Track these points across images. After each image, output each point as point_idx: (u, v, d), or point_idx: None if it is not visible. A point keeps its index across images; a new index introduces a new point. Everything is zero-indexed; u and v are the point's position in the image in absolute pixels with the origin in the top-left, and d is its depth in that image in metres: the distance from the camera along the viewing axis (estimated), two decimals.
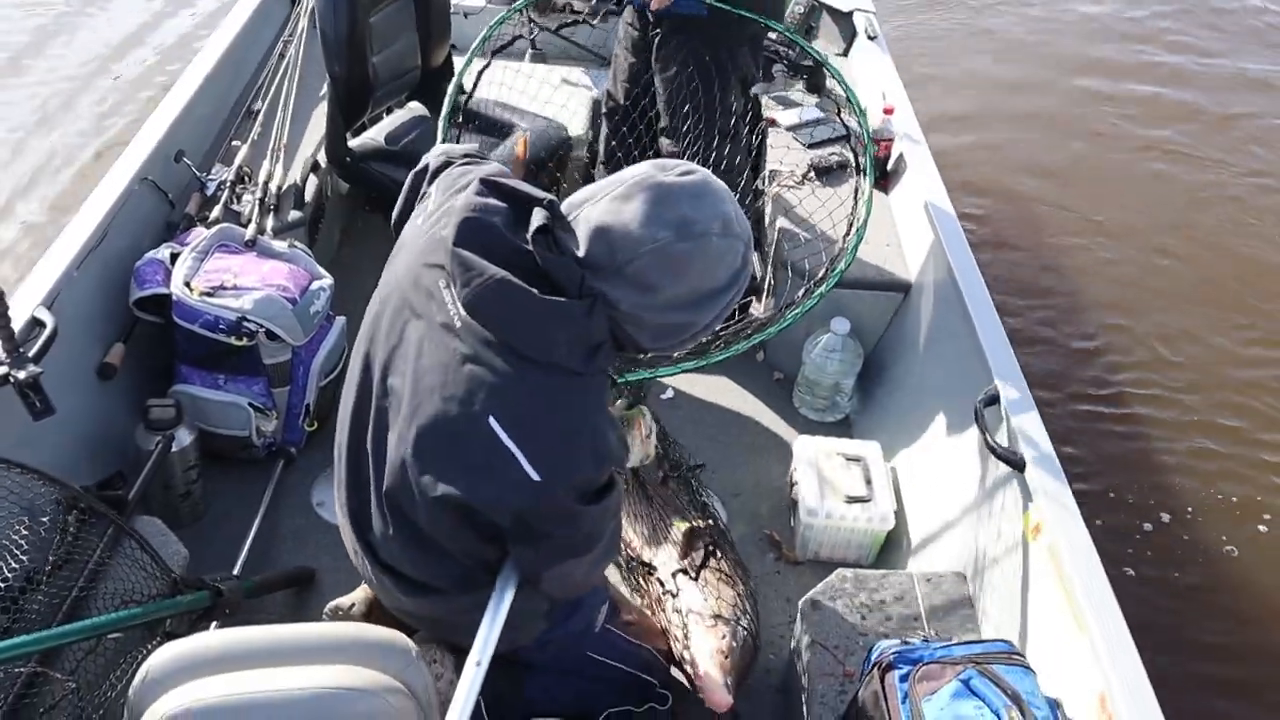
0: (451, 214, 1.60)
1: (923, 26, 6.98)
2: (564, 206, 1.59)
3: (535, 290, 1.51)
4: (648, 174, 1.54)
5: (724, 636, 2.28)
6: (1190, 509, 3.73)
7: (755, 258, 3.28)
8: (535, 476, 1.54)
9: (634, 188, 1.53)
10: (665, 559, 2.52)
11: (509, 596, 1.79)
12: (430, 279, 1.65)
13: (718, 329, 1.98)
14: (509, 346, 1.55)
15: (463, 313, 1.57)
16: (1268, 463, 3.91)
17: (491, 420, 1.54)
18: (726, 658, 2.24)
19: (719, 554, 2.51)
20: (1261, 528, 3.67)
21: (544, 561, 1.71)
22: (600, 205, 1.54)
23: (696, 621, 2.33)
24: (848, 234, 2.55)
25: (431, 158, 1.89)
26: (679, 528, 2.57)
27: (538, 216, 1.55)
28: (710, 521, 2.63)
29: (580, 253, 1.54)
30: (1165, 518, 3.68)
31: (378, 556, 1.90)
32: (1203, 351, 4.46)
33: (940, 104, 5.99)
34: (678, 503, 2.68)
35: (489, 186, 1.63)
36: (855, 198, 2.64)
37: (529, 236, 1.54)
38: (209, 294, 2.73)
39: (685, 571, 2.45)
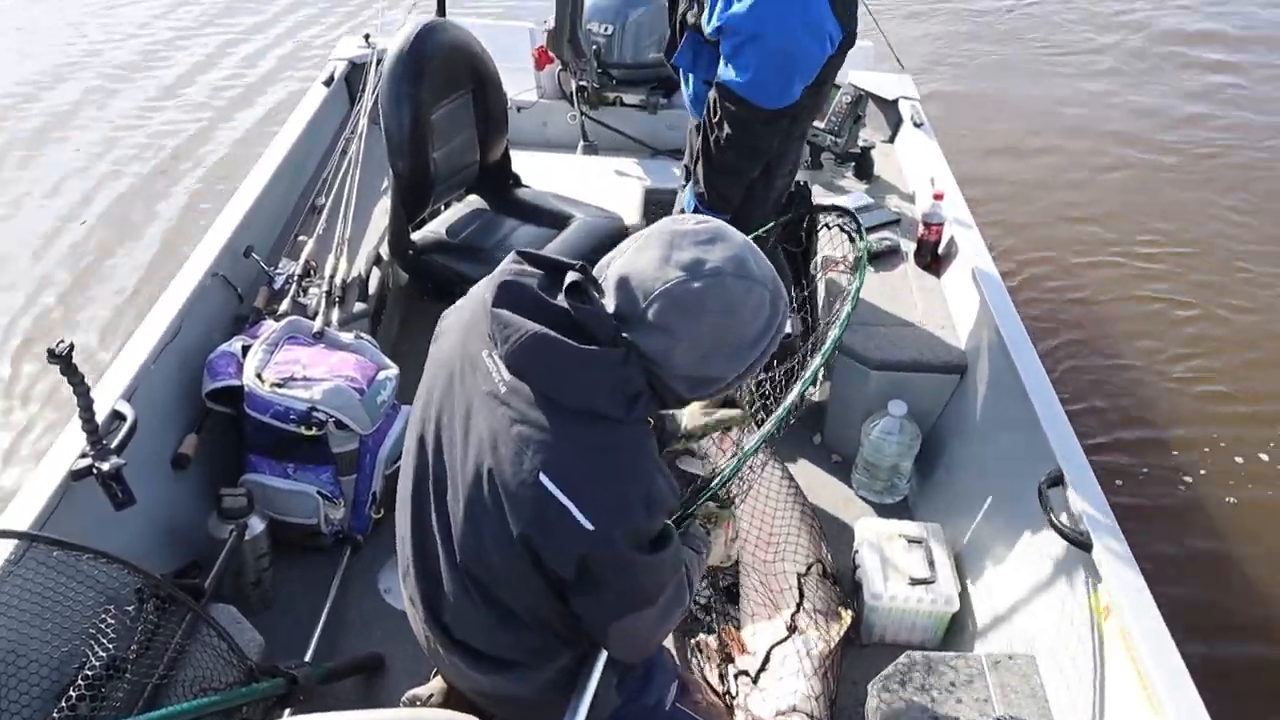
0: (491, 283, 1.68)
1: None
2: (595, 270, 1.68)
3: (572, 341, 1.59)
4: (664, 225, 1.63)
5: None
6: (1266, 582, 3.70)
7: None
8: (589, 526, 1.58)
9: (651, 239, 1.62)
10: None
11: (598, 670, 1.83)
12: (474, 350, 1.72)
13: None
14: (553, 403, 1.61)
15: (506, 377, 1.64)
16: None
17: (542, 477, 1.59)
18: None
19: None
20: None
21: (607, 614, 1.72)
22: (622, 259, 1.63)
23: None
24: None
25: None
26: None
27: (570, 276, 1.63)
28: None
29: (610, 307, 1.61)
30: (1241, 593, 3.66)
31: (451, 636, 1.92)
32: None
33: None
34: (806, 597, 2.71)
35: (524, 256, 1.73)
36: (855, 268, 2.65)
37: (563, 294, 1.62)
38: (280, 385, 2.79)
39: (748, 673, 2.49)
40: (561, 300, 1.63)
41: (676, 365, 1.62)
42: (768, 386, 2.50)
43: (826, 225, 3.07)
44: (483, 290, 1.73)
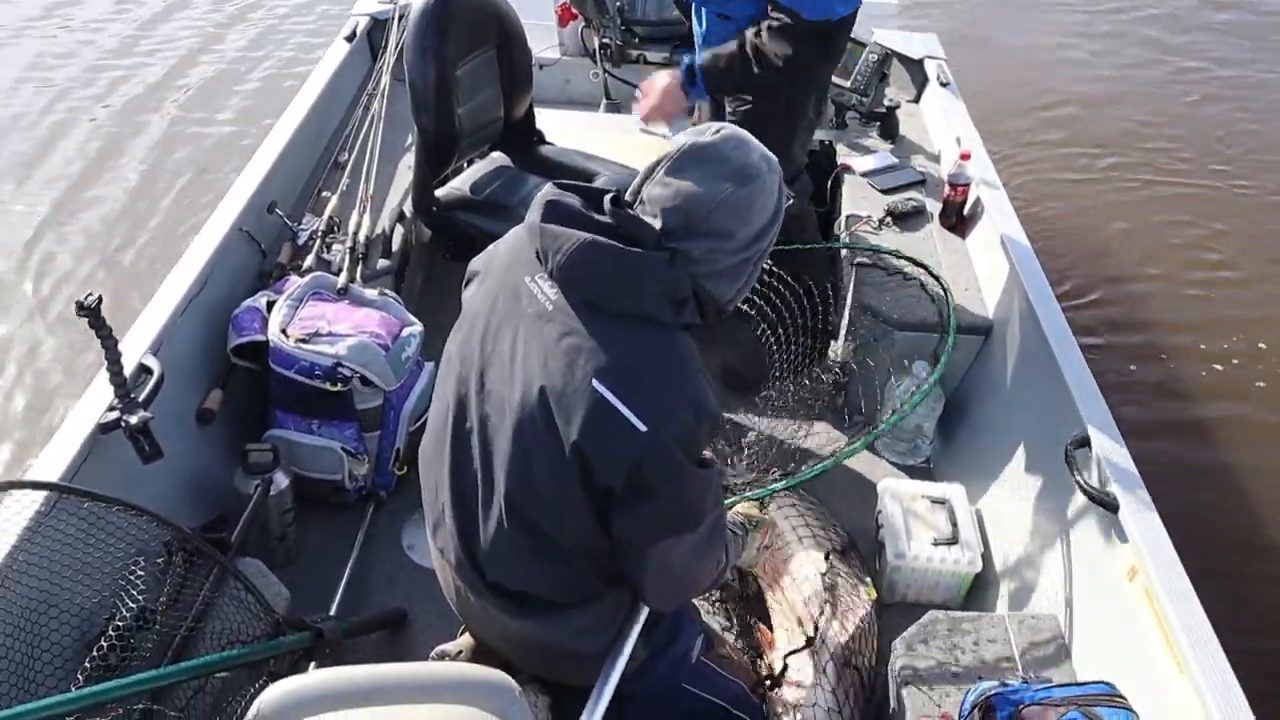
0: (536, 206, 1.74)
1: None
2: (629, 194, 1.76)
3: (624, 246, 1.65)
4: (690, 144, 1.70)
5: None
6: None
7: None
8: (642, 427, 1.62)
9: (683, 160, 1.69)
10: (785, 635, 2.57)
11: (641, 620, 1.89)
12: (516, 279, 1.77)
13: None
14: (601, 311, 1.67)
15: (552, 296, 1.70)
16: None
17: (595, 383, 1.63)
18: None
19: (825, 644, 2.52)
20: None
21: (649, 532, 1.73)
22: (657, 184, 1.70)
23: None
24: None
25: None
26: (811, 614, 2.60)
27: (610, 194, 1.73)
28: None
29: (660, 226, 1.68)
30: (1264, 554, 3.67)
31: (485, 579, 1.93)
32: None
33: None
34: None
35: (561, 186, 1.78)
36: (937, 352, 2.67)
37: (607, 208, 1.71)
38: (304, 340, 2.80)
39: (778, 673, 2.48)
40: (604, 218, 1.70)
41: (721, 263, 1.71)
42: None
43: (903, 275, 3.18)
44: (524, 224, 1.78)
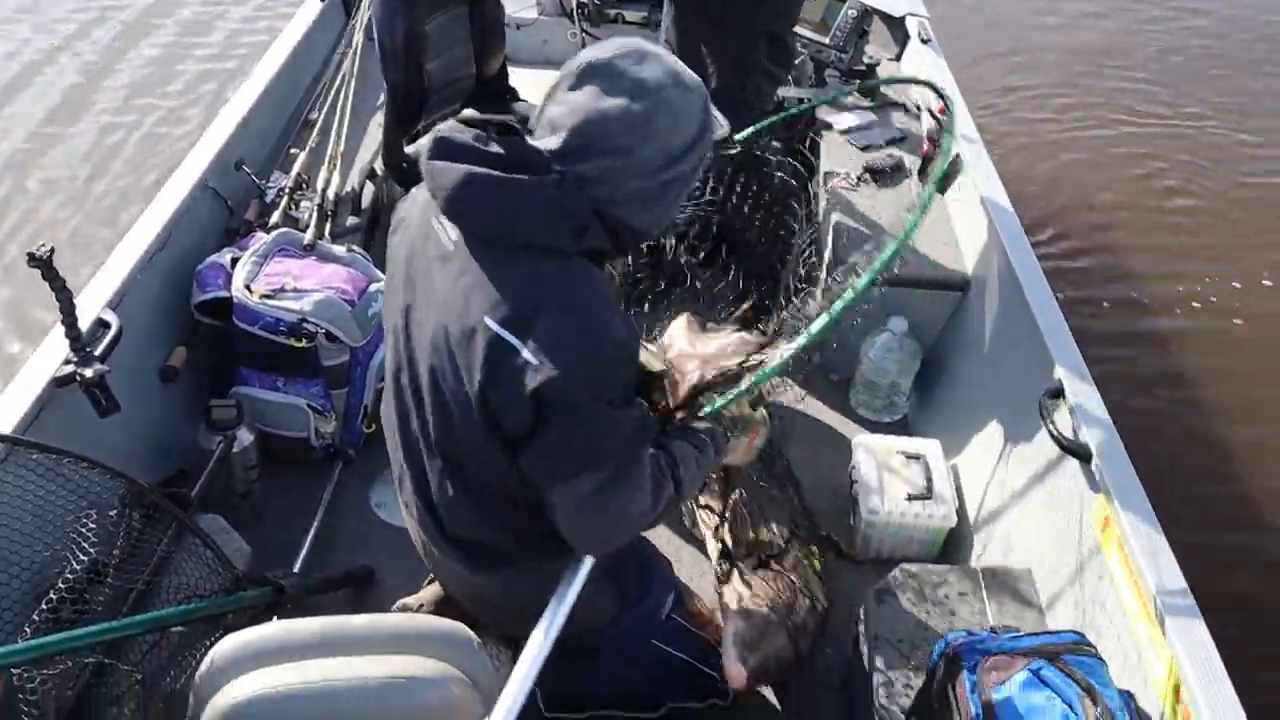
0: (426, 146, 1.66)
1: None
2: (531, 121, 1.66)
3: (504, 174, 1.57)
4: (588, 58, 1.60)
5: (753, 628, 2.29)
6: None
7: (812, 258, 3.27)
8: (534, 360, 1.55)
9: (581, 76, 1.59)
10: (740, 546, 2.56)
11: (584, 571, 1.81)
12: (426, 221, 1.72)
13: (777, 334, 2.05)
14: (496, 246, 1.61)
15: (453, 235, 1.65)
16: None
17: (487, 320, 1.57)
18: (741, 641, 2.26)
19: (785, 561, 2.50)
20: None
21: (552, 469, 1.66)
22: (556, 102, 1.61)
23: (738, 606, 2.37)
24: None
25: None
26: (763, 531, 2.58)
27: (501, 118, 1.63)
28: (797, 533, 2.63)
29: (553, 147, 1.58)
30: (1235, 501, 3.66)
31: (444, 531, 1.90)
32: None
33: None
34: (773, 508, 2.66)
35: (461, 121, 1.69)
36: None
37: (490, 134, 1.62)
38: (269, 296, 2.75)
39: (736, 562, 2.48)
40: (494, 148, 1.61)
41: (627, 186, 1.61)
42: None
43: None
44: (423, 151, 1.71)
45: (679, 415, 2.01)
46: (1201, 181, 5.52)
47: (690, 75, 1.64)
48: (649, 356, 2.09)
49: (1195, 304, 4.69)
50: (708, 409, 2.00)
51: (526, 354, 1.55)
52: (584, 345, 1.57)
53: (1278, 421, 4.05)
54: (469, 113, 1.69)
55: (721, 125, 1.70)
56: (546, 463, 1.65)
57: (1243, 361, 4.35)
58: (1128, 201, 5.37)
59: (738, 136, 2.57)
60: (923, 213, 2.08)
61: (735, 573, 2.48)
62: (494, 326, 1.56)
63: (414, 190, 1.83)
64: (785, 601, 2.40)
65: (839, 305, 2.02)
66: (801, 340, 2.04)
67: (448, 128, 1.66)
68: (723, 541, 2.60)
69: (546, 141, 1.59)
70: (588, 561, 1.83)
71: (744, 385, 2.02)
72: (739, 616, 2.33)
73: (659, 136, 1.59)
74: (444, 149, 1.62)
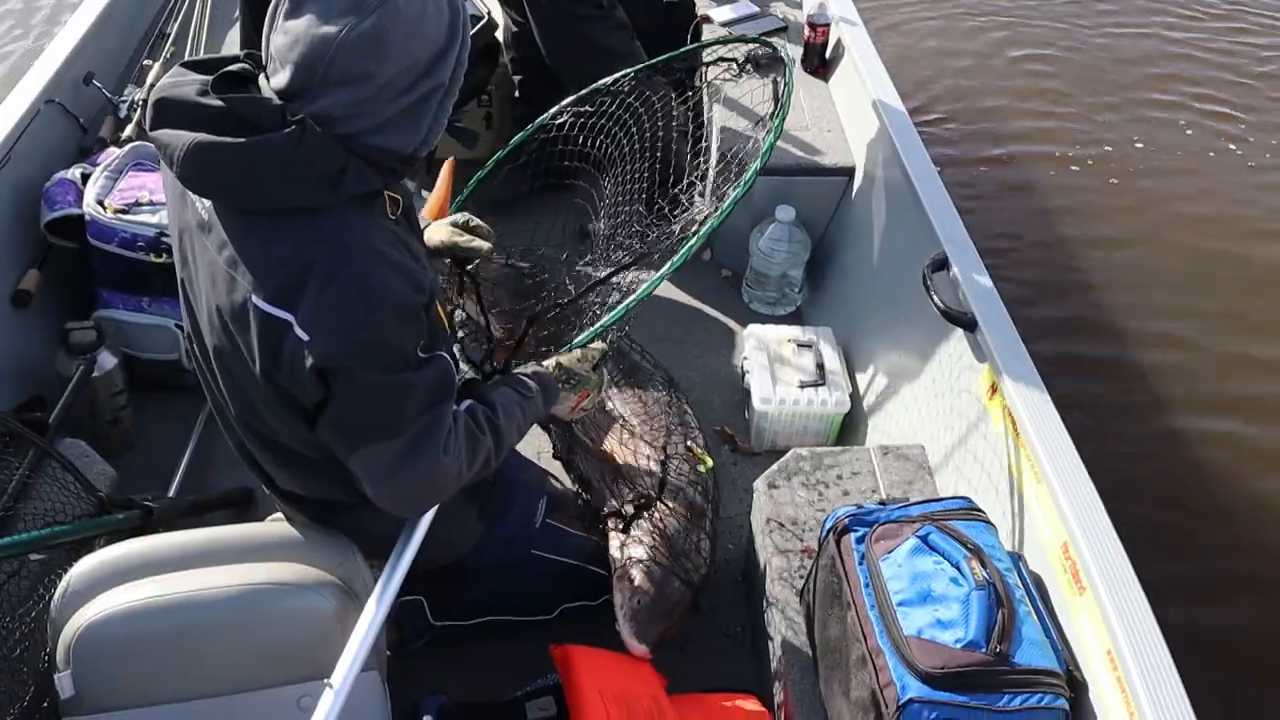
0: (148, 111, 1.51)
1: None
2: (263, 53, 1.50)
3: (231, 139, 1.42)
4: None
5: (641, 594, 2.14)
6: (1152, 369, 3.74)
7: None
8: (306, 336, 1.45)
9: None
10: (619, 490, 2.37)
11: (422, 526, 1.75)
12: (178, 186, 1.57)
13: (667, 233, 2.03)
14: (248, 214, 1.48)
15: (206, 203, 1.51)
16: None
17: (254, 299, 1.46)
18: (635, 614, 2.11)
19: (663, 504, 2.32)
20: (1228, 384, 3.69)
21: (344, 441, 1.56)
22: (279, 31, 1.43)
23: (623, 568, 2.20)
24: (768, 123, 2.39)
25: None
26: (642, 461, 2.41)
27: (223, 69, 1.47)
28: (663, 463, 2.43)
29: (282, 85, 1.43)
30: (1115, 363, 3.72)
31: (277, 487, 1.86)
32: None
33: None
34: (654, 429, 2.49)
35: (188, 64, 1.54)
36: (775, 96, 2.47)
37: (214, 89, 1.45)
38: (124, 211, 2.61)
39: (621, 516, 2.30)
40: (217, 102, 1.44)
41: (379, 113, 1.45)
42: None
43: (734, 61, 2.86)
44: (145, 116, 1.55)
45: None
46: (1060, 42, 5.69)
47: None
48: (575, 359, 2.00)
49: (1074, 167, 4.77)
50: (549, 362, 1.94)
51: (299, 330, 1.44)
52: (360, 309, 1.45)
53: (1152, 284, 4.12)
54: (191, 61, 1.54)
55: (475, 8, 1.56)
56: (340, 433, 1.56)
57: (1118, 230, 4.41)
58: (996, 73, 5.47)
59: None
60: (748, 188, 2.06)
61: (614, 536, 2.28)
62: (262, 305, 1.45)
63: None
64: (675, 545, 2.23)
65: (633, 299, 1.99)
66: (630, 301, 1.98)
67: (168, 84, 1.49)
68: (592, 509, 2.40)
69: (276, 80, 1.43)
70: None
71: (592, 330, 1.96)
72: (624, 586, 2.15)
73: (399, 53, 1.42)
74: (166, 114, 1.46)
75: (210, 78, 1.47)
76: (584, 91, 2.47)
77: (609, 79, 2.47)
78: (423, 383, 1.55)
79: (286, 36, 1.41)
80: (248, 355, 1.52)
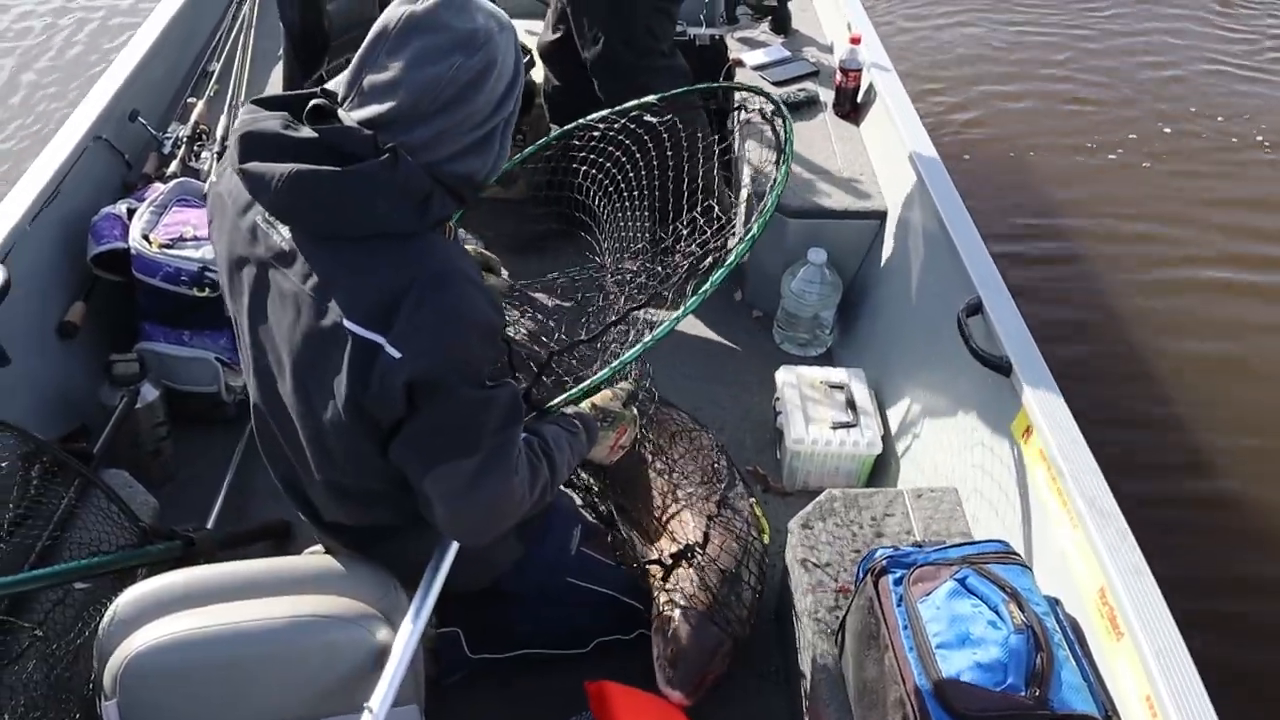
0: (232, 145, 1.56)
1: None
2: (343, 89, 1.57)
3: (330, 167, 1.48)
4: (406, 14, 1.51)
5: (673, 643, 2.16)
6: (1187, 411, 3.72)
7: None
8: (399, 354, 1.49)
9: (400, 37, 1.50)
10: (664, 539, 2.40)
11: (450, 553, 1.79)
12: (251, 220, 1.61)
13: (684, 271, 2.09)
14: (337, 241, 1.53)
15: (284, 231, 1.56)
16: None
17: (347, 323, 1.51)
18: (674, 661, 2.14)
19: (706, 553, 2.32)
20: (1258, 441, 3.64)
21: (422, 457, 1.60)
22: (378, 69, 1.51)
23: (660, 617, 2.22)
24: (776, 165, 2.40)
25: None
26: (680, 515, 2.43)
27: (313, 102, 1.54)
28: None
29: (373, 115, 1.51)
30: (1164, 419, 3.69)
31: (320, 518, 1.89)
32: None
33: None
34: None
35: (259, 102, 1.60)
36: (778, 143, 2.49)
37: (306, 120, 1.52)
38: (168, 246, 2.66)
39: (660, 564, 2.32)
40: (307, 131, 1.51)
41: (463, 142, 1.55)
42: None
43: (744, 108, 2.88)
44: (231, 152, 1.60)
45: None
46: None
47: (500, 10, 1.58)
48: (608, 399, 2.04)
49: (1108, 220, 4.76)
50: (577, 392, 1.97)
51: (391, 349, 1.49)
52: (452, 328, 1.51)
53: (1193, 331, 4.10)
54: (261, 99, 1.61)
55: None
56: (418, 450, 1.60)
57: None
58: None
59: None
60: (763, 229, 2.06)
61: (655, 582, 2.30)
62: (355, 329, 1.50)
63: (224, 171, 1.70)
64: (715, 594, 2.23)
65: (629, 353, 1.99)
66: (651, 338, 1.99)
67: (248, 120, 1.55)
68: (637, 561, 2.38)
69: (367, 111, 1.51)
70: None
71: (615, 365, 1.98)
72: (659, 636, 2.18)
73: (490, 88, 1.53)
74: (254, 147, 1.52)
75: (284, 113, 1.55)
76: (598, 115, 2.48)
77: (631, 104, 2.47)
78: (499, 402, 1.60)
79: (389, 74, 1.49)
80: (334, 379, 1.55)
